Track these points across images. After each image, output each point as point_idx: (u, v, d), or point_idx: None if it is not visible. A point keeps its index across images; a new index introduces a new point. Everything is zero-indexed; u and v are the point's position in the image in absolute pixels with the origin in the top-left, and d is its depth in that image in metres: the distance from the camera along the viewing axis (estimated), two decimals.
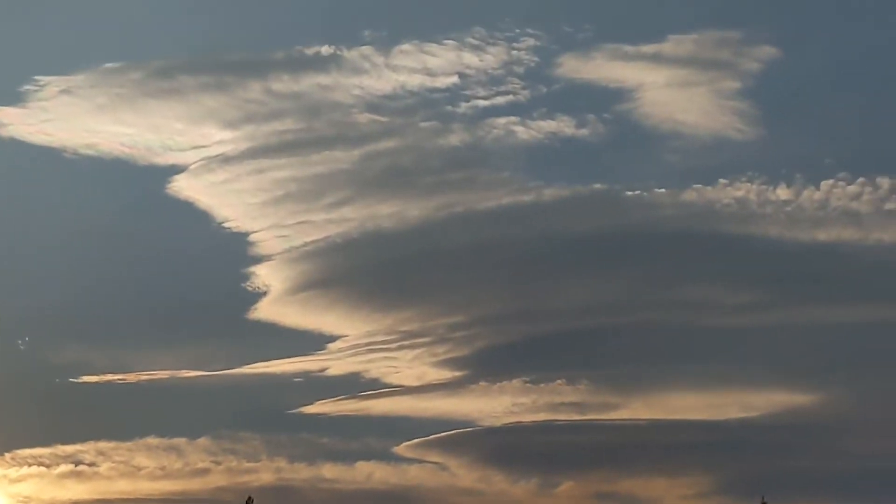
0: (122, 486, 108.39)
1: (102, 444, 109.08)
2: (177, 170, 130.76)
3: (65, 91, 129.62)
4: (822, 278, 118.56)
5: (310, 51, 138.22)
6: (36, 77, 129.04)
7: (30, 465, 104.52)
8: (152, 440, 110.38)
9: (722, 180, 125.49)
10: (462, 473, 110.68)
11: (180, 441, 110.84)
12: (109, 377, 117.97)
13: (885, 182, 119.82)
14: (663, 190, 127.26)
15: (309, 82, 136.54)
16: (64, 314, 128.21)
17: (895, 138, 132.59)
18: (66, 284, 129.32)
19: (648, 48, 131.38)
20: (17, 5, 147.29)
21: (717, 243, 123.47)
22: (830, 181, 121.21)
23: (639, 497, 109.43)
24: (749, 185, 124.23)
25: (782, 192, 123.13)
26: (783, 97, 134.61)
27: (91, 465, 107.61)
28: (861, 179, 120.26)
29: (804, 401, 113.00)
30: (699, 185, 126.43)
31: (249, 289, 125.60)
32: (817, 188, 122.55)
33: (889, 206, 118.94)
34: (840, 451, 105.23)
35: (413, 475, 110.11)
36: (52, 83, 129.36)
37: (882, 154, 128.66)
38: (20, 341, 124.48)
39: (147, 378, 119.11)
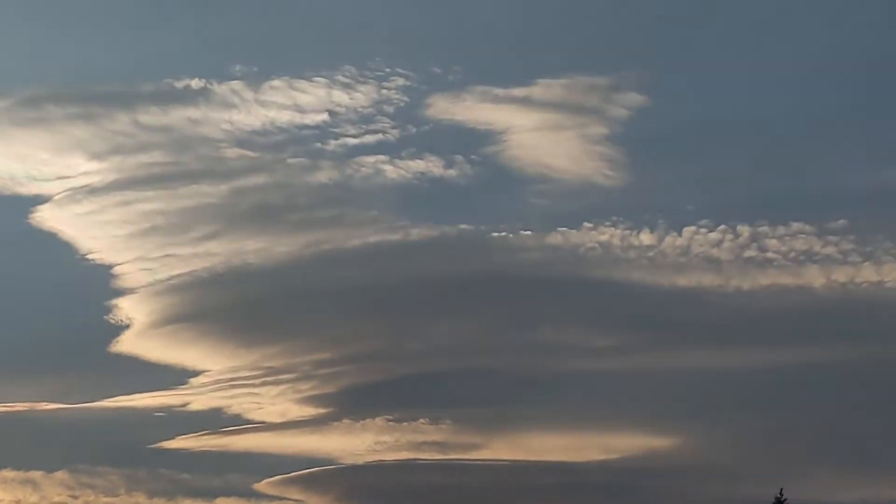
0: None
1: None
2: (41, 200, 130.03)
3: None
4: (683, 324, 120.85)
5: (179, 84, 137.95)
6: None
7: None
8: (8, 473, 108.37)
9: (587, 224, 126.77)
10: None
11: (37, 474, 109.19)
12: None
13: (745, 230, 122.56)
14: (529, 232, 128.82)
15: (178, 115, 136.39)
16: None
17: (756, 187, 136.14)
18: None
19: (518, 91, 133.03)
20: None
21: (581, 287, 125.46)
22: (692, 228, 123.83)
23: None
24: (613, 229, 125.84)
25: (645, 238, 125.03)
26: (649, 144, 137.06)
27: None
28: (722, 227, 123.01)
29: (662, 444, 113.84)
30: (564, 229, 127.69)
31: (112, 321, 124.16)
32: (679, 234, 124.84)
33: (748, 253, 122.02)
34: (697, 495, 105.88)
35: None
36: None
37: (743, 203, 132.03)
38: None
39: (4, 410, 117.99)
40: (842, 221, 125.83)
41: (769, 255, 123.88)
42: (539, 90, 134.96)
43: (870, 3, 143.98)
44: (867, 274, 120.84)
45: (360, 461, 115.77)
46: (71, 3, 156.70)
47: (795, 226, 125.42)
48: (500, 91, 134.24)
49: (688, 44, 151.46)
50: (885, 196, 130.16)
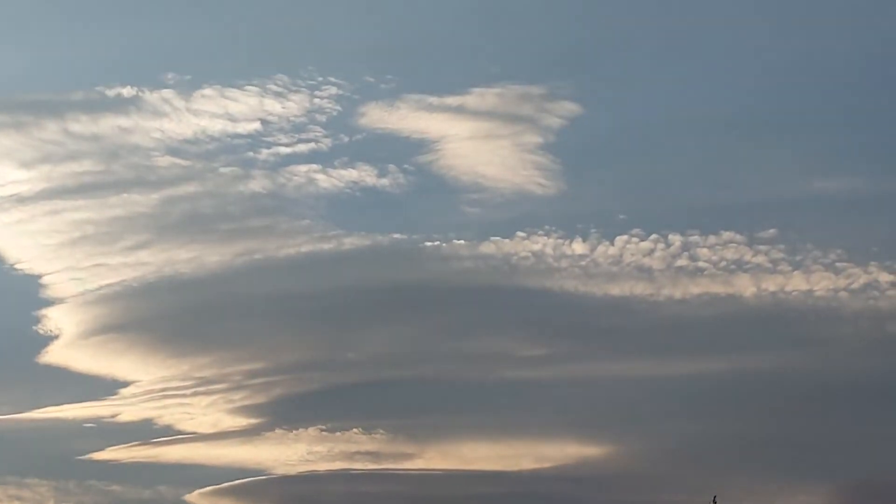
0: None
1: None
2: None
3: None
4: (615, 332, 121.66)
5: (110, 92, 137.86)
6: None
7: None
8: None
9: (520, 233, 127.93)
10: None
11: None
12: None
13: (676, 239, 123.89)
14: (462, 241, 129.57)
15: (108, 124, 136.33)
16: None
17: (687, 198, 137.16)
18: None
19: (452, 100, 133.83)
20: None
21: (514, 296, 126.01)
22: (625, 237, 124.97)
23: None
24: (546, 238, 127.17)
25: (578, 247, 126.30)
26: (582, 153, 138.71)
27: None
28: (654, 236, 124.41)
29: (595, 452, 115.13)
30: (497, 238, 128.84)
31: (41, 332, 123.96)
32: (612, 243, 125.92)
33: (680, 262, 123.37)
34: (625, 501, 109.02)
35: None
36: None
37: (674, 212, 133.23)
38: None
39: None
40: (772, 231, 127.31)
41: (700, 264, 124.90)
42: (473, 99, 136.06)
43: (799, 14, 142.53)
44: (797, 283, 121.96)
45: (293, 471, 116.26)
46: None
47: (726, 235, 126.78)
48: (433, 99, 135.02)
49: (621, 53, 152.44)
50: (814, 206, 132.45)
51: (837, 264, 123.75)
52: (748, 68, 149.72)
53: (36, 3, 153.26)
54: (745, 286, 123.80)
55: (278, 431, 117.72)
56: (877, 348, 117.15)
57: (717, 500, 70.66)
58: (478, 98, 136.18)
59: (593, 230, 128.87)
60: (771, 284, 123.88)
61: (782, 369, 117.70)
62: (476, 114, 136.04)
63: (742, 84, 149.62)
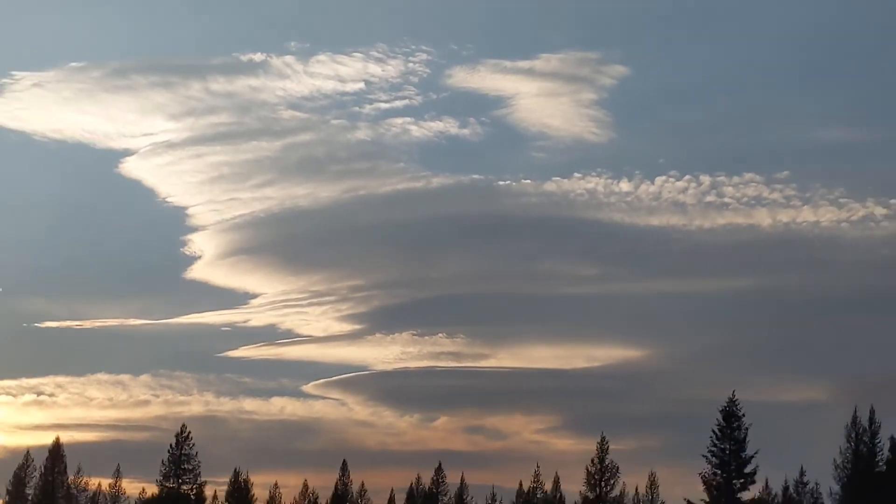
0: (76, 414, 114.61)
1: (60, 379, 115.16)
2: (128, 153, 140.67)
3: (36, 84, 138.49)
4: (654, 256, 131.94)
5: (244, 57, 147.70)
6: (12, 72, 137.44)
7: None
8: (102, 376, 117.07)
9: (576, 174, 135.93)
10: (358, 408, 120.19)
11: (126, 377, 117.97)
12: (68, 323, 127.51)
13: (706, 179, 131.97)
14: (528, 181, 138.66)
15: (241, 84, 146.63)
16: (31, 271, 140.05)
17: (715, 145, 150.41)
18: (33, 246, 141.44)
19: (522, 64, 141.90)
20: None
21: (571, 226, 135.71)
22: (663, 177, 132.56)
23: (501, 431, 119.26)
24: (598, 178, 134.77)
25: (624, 185, 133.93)
26: (630, 108, 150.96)
27: (50, 395, 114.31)
28: (687, 177, 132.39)
29: (635, 354, 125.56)
30: (558, 178, 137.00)
31: (186, 253, 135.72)
32: (652, 183, 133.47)
33: (709, 198, 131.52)
34: (663, 397, 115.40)
35: (318, 409, 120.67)
36: (26, 78, 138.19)
37: (704, 157, 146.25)
38: None
39: (99, 325, 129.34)
40: (785, 172, 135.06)
41: (725, 199, 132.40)
42: (540, 63, 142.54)
43: None
44: (806, 215, 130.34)
45: (389, 367, 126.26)
46: None
47: (748, 176, 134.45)
48: (507, 63, 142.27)
49: (661, 24, 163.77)
50: (821, 152, 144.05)
51: (840, 200, 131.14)
52: (766, 38, 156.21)
53: None
54: (762, 218, 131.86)
55: (377, 335, 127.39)
56: (872, 269, 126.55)
57: (735, 394, 61.54)
58: (543, 62, 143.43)
59: (637, 172, 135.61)
60: (784, 216, 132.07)
61: (793, 286, 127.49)
62: (542, 75, 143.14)
63: (760, 51, 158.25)
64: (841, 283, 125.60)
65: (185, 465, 68.94)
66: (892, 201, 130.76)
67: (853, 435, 60.61)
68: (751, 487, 59.16)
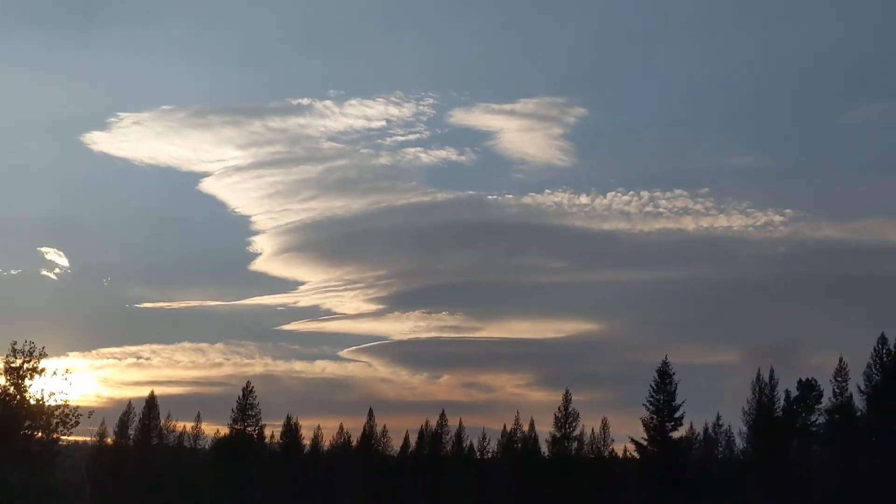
0: (166, 373, 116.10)
1: (154, 346, 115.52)
2: (205, 175, 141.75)
3: (136, 122, 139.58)
4: (605, 253, 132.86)
5: (294, 102, 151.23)
6: (118, 113, 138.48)
7: (107, 358, 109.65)
8: (186, 345, 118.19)
9: (547, 191, 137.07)
10: (381, 369, 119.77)
11: (204, 345, 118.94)
12: (160, 305, 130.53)
13: (645, 194, 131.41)
14: (510, 196, 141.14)
15: (292, 122, 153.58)
16: (133, 265, 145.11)
17: (653, 168, 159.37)
18: (134, 247, 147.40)
19: (506, 106, 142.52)
20: (103, 62, 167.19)
21: (543, 230, 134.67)
22: (612, 193, 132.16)
23: (490, 386, 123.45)
24: (563, 194, 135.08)
25: (583, 199, 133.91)
26: (587, 140, 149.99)
27: (147, 359, 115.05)
28: (631, 192, 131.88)
29: (592, 328, 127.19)
30: (533, 193, 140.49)
31: (250, 251, 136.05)
32: (604, 197, 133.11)
33: (647, 209, 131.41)
34: (613, 360, 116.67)
35: (350, 369, 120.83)
36: (128, 117, 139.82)
37: (645, 177, 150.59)
38: (105, 280, 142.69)
39: (184, 306, 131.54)
40: (706, 189, 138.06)
41: (660, 210, 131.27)
42: (520, 106, 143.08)
43: (712, 39, 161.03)
44: (721, 222, 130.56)
45: (404, 338, 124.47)
46: (223, 47, 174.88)
47: (677, 191, 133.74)
48: (495, 106, 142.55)
49: (612, 76, 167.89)
50: (733, 173, 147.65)
51: (747, 210, 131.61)
52: (691, 86, 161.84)
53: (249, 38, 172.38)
54: (688, 224, 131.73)
55: (395, 313, 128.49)
56: (771, 263, 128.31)
57: (668, 357, 64.57)
58: (522, 105, 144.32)
59: (593, 189, 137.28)
60: (704, 223, 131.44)
61: (711, 276, 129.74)
62: (521, 115, 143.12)
63: (686, 97, 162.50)
64: (748, 273, 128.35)
65: (249, 412, 70.11)
66: (787, 211, 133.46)
67: (757, 389, 62.50)
68: (679, 429, 61.15)
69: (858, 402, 56.97)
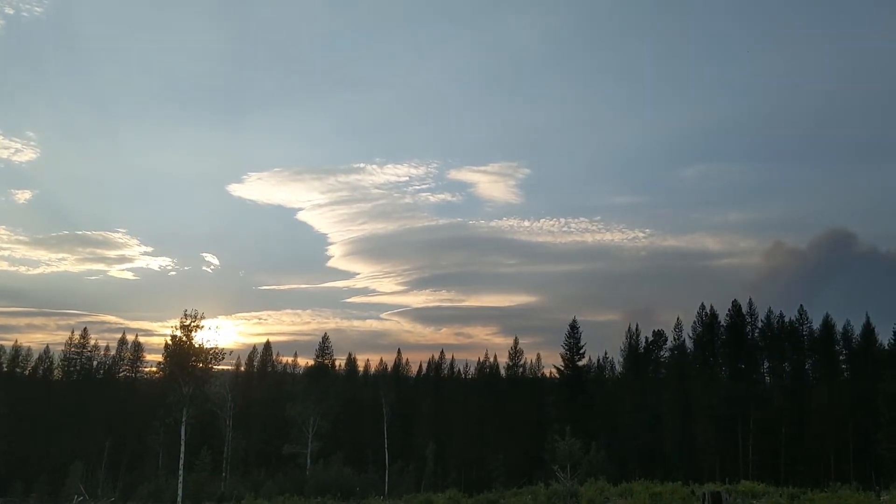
0: (276, 328, 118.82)
1: (269, 312, 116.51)
2: (301, 209, 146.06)
3: (259, 178, 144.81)
4: (542, 255, 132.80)
5: (354, 165, 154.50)
6: (248, 172, 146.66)
7: (241, 319, 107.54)
8: (288, 311, 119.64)
9: (505, 218, 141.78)
10: (406, 325, 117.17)
11: (299, 311, 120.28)
12: (273, 287, 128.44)
13: (564, 219, 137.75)
14: (483, 221, 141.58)
15: (353, 177, 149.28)
16: (258, 263, 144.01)
17: (568, 203, 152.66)
18: (259, 252, 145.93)
19: (480, 168, 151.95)
20: (240, 138, 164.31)
21: (503, 241, 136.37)
22: (545, 219, 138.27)
23: (471, 334, 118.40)
24: (515, 220, 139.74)
25: (527, 223, 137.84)
26: (530, 188, 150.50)
27: (265, 320, 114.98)
28: (556, 219, 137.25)
29: (533, 299, 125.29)
30: (496, 220, 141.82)
31: (327, 254, 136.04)
32: (539, 222, 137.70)
33: (564, 229, 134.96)
34: (544, 318, 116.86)
35: (387, 325, 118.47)
36: (254, 175, 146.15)
37: (563, 209, 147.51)
38: (241, 272, 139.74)
39: (287, 288, 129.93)
40: (598, 217, 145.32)
41: (571, 229, 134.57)
42: (489, 167, 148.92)
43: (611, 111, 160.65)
44: (608, 237, 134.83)
45: (420, 306, 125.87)
46: (312, 131, 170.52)
47: (582, 219, 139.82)
48: (474, 167, 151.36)
49: (545, 150, 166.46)
50: (614, 208, 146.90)
51: (624, 230, 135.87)
52: (591, 156, 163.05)
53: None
54: (589, 238, 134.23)
55: (414, 291, 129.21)
56: (638, 261, 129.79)
57: (575, 318, 70.70)
58: (490, 167, 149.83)
59: (533, 217, 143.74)
60: (599, 237, 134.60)
61: (603, 269, 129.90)
62: (490, 173, 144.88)
63: (591, 161, 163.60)
64: (624, 267, 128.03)
65: (326, 351, 70.63)
66: (647, 230, 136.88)
67: (628, 336, 63.43)
68: (582, 359, 61.93)
69: (689, 344, 58.78)
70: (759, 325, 57.55)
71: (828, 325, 56.22)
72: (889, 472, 35.48)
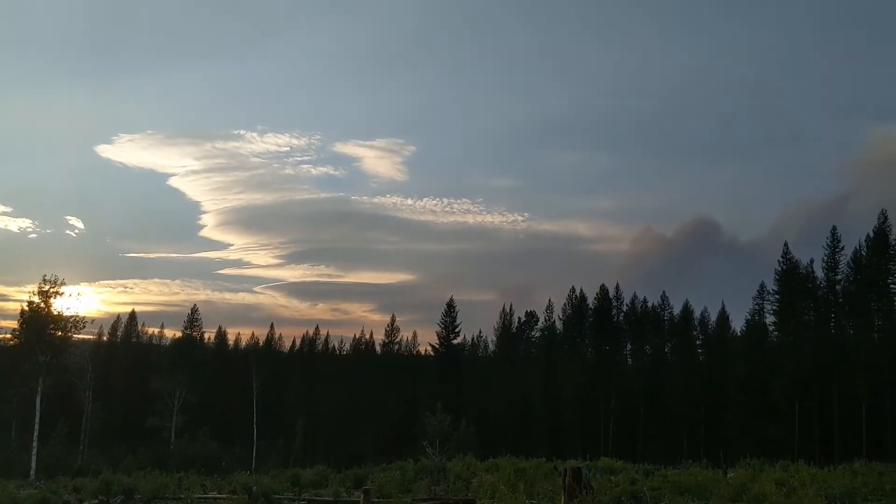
0: (143, 297, 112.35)
1: (136, 281, 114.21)
2: (173, 175, 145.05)
3: (131, 140, 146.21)
4: (421, 233, 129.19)
5: (234, 132, 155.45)
6: (118, 133, 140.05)
7: (106, 287, 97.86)
8: (157, 280, 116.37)
9: (388, 195, 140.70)
10: (281, 299, 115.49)
11: (168, 280, 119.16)
12: (141, 255, 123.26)
13: (447, 200, 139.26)
14: (366, 197, 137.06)
15: (231, 144, 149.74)
16: (124, 228, 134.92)
17: (450, 185, 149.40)
18: (126, 217, 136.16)
19: (367, 143, 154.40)
20: (111, 95, 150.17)
21: (385, 217, 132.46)
22: (427, 198, 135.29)
23: (348, 311, 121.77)
24: (398, 197, 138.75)
25: (410, 201, 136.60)
26: (415, 166, 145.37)
27: (130, 288, 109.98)
28: (437, 199, 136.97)
29: (411, 277, 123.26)
30: (380, 196, 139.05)
31: (199, 223, 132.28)
32: (422, 201, 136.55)
33: (447, 209, 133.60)
34: (420, 297, 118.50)
35: (261, 299, 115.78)
36: (125, 136, 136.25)
37: (445, 189, 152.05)
38: (107, 238, 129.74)
39: (156, 256, 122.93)
40: (480, 199, 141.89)
41: (454, 210, 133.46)
42: (376, 143, 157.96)
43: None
44: (489, 219, 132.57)
45: (296, 280, 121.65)
46: (188, 93, 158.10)
47: (465, 200, 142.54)
48: (360, 142, 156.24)
49: (430, 129, 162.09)
50: (495, 190, 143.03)
51: (503, 212, 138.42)
52: (472, 137, 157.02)
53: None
54: (470, 219, 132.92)
55: (291, 265, 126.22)
56: (516, 243, 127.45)
57: (453, 298, 75.39)
58: (377, 143, 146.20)
59: (417, 195, 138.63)
60: (480, 219, 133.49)
61: (481, 249, 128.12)
62: (377, 149, 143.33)
63: (471, 143, 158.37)
64: (502, 248, 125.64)
65: (195, 323, 67.73)
66: (525, 213, 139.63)
67: (503, 315, 65.30)
68: (457, 337, 63.56)
69: (559, 324, 61.31)
70: (625, 308, 59.99)
71: (687, 311, 59.01)
72: (736, 451, 36.00)
